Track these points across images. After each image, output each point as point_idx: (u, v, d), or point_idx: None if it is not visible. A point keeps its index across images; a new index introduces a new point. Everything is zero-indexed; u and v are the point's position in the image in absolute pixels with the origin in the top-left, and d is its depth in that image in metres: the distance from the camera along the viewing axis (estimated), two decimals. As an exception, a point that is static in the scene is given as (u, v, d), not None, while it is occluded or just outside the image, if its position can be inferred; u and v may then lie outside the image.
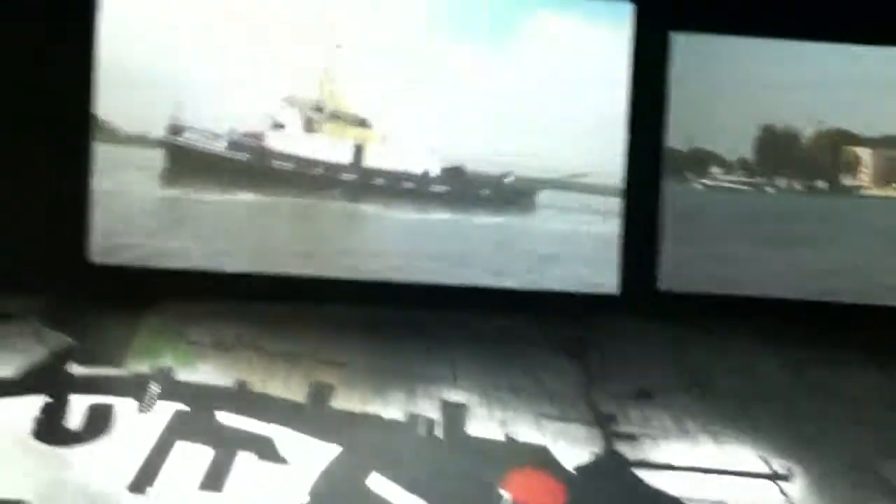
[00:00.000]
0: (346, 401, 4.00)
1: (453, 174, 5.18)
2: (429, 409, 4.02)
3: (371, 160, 5.18)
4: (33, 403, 3.70)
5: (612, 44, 5.10)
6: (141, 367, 4.08)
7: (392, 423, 3.88)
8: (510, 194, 5.23)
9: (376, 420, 3.89)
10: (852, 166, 5.47)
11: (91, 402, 3.76)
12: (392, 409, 3.97)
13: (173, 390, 3.92)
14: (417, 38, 5.06)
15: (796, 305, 5.11)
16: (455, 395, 4.16)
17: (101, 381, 3.94)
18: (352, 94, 5.10)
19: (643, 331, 4.90)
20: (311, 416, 3.87)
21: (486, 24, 5.08)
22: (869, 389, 4.49)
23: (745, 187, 5.45)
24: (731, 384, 4.48)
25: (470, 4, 5.14)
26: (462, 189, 5.21)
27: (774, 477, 3.79)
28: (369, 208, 5.19)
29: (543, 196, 5.33)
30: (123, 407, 3.77)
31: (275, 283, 4.96)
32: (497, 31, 5.10)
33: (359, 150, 5.16)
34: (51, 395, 3.76)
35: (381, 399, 4.03)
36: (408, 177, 5.19)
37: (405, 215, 5.18)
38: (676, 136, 5.22)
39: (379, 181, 5.18)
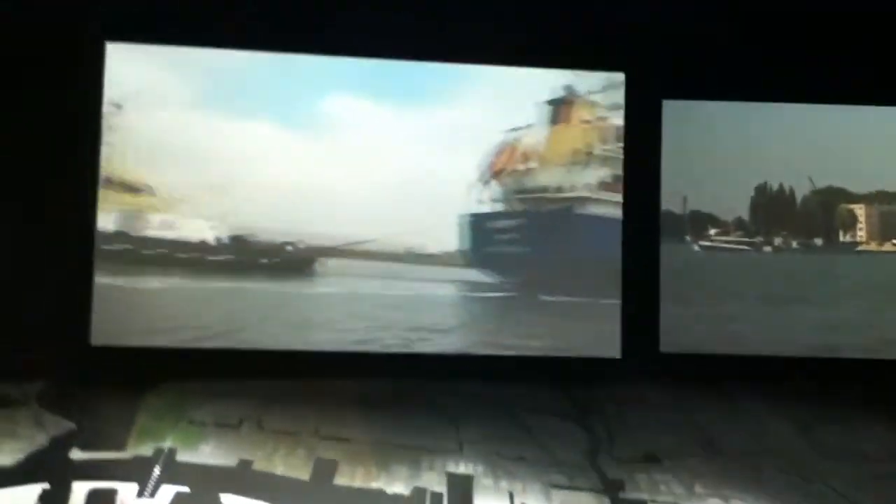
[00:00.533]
0: (350, 477, 3.96)
1: (236, 243, 5.18)
2: (434, 482, 3.97)
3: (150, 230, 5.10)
4: (33, 491, 3.66)
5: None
6: (143, 449, 4.04)
7: (397, 498, 3.83)
8: (291, 262, 5.19)
9: (381, 496, 3.84)
10: (848, 223, 5.51)
11: (92, 487, 3.71)
12: (397, 483, 3.92)
13: (175, 472, 3.88)
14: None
15: (800, 363, 5.09)
16: (461, 467, 4.11)
17: (102, 466, 3.90)
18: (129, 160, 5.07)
19: (647, 394, 4.87)
20: (316, 494, 3.82)
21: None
22: (878, 444, 4.44)
23: (742, 247, 5.49)
24: (740, 444, 4.43)
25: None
26: (243, 257, 5.19)
27: (789, 540, 3.72)
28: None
29: (326, 263, 5.30)
30: (126, 491, 3.73)
31: (275, 359, 4.96)
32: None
33: (132, 219, 5.07)
34: (51, 483, 3.71)
35: (385, 474, 3.98)
36: (186, 246, 5.14)
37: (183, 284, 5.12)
38: (672, 199, 5.29)
39: (158, 251, 5.11)
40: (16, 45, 4.77)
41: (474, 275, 5.37)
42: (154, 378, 4.66)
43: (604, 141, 5.39)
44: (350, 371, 4.90)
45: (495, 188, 5.32)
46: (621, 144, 5.34)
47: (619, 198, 5.27)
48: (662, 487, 4.04)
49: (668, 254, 5.25)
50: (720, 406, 4.80)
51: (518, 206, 5.40)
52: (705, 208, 5.44)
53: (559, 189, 5.40)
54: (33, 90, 4.78)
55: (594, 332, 5.13)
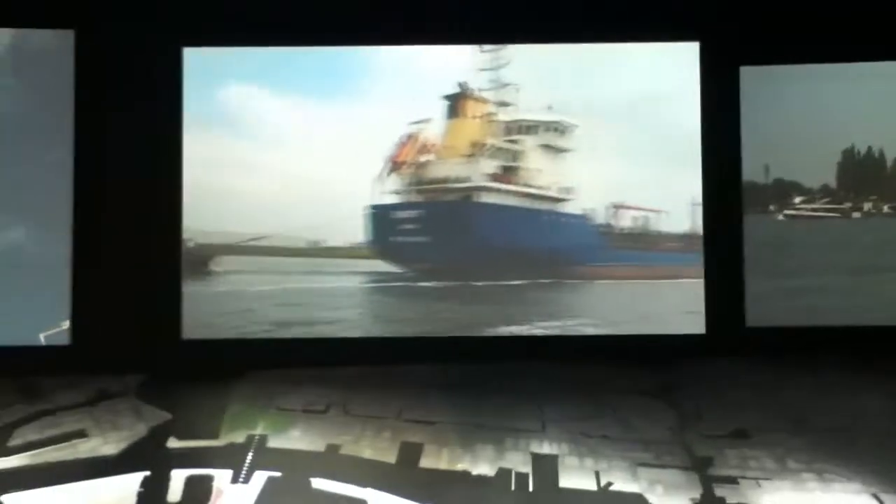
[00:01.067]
0: (435, 459, 4.01)
1: None
2: (519, 462, 3.98)
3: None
4: (136, 479, 3.83)
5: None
6: (235, 436, 4.18)
7: (483, 479, 3.86)
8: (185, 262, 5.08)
9: (466, 477, 3.87)
10: (943, 184, 5.27)
11: (189, 474, 3.86)
12: (482, 464, 3.96)
13: (267, 458, 4.00)
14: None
15: (890, 332, 4.90)
16: (545, 447, 4.12)
17: (198, 454, 4.05)
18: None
19: (733, 369, 4.78)
20: (402, 477, 3.88)
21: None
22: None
23: (830, 214, 5.31)
24: (832, 419, 4.31)
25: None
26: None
27: (887, 514, 3.60)
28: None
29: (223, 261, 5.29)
30: (221, 477, 3.86)
31: (356, 346, 5.07)
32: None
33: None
34: (152, 470, 3.88)
35: (470, 455, 4.02)
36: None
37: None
38: (754, 168, 5.15)
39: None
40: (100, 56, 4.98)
41: (378, 265, 5.41)
42: (244, 368, 4.85)
43: (495, 135, 5.47)
44: (432, 355, 4.97)
45: (397, 180, 5.33)
46: (512, 138, 5.48)
47: (512, 187, 5.46)
48: (753, 463, 3.96)
49: (752, 225, 5.12)
50: (810, 380, 4.67)
51: (418, 198, 5.42)
52: (789, 176, 5.28)
53: (457, 180, 5.43)
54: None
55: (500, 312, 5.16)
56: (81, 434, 4.21)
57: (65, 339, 4.85)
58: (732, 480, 3.85)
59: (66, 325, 4.85)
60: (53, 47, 4.97)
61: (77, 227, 4.92)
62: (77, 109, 4.94)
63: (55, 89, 4.94)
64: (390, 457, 4.03)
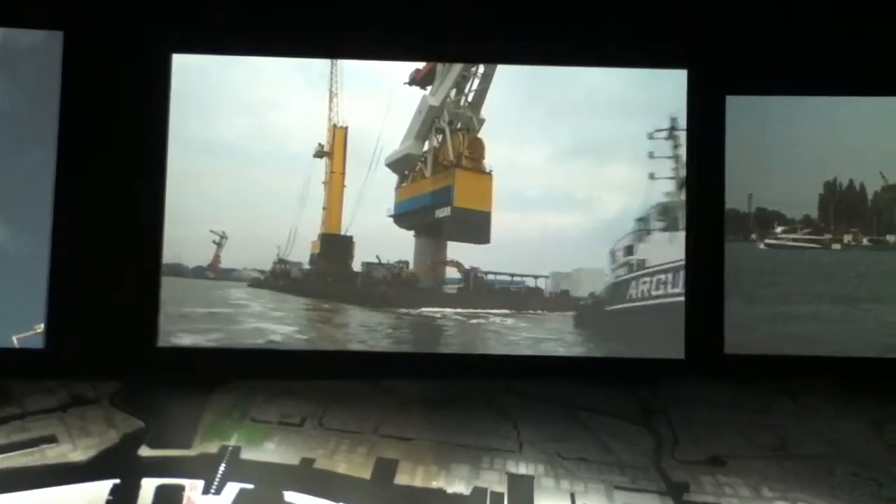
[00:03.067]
0: (410, 476, 3.98)
1: None
2: (495, 482, 3.96)
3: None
4: (105, 487, 3.77)
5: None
6: (209, 447, 4.13)
7: (458, 498, 3.83)
8: None
9: (441, 495, 3.85)
10: (922, 219, 5.33)
11: (160, 483, 3.81)
12: (457, 483, 3.93)
13: (240, 469, 3.96)
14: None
15: (871, 363, 4.94)
16: (521, 468, 4.10)
17: (170, 463, 4.00)
18: None
19: (712, 395, 4.79)
20: (377, 493, 3.85)
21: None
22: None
23: (810, 245, 5.35)
24: (809, 447, 4.33)
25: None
26: None
27: (860, 545, 3.60)
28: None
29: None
30: (192, 487, 3.81)
31: (336, 359, 5.03)
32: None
33: None
34: (122, 478, 3.82)
35: (445, 473, 3.99)
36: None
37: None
38: (737, 197, 5.19)
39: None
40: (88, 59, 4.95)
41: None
42: (218, 378, 4.79)
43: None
44: (409, 371, 4.95)
45: None
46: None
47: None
48: (728, 490, 3.96)
49: (733, 253, 5.15)
50: (787, 407, 4.69)
51: None
52: (771, 206, 5.32)
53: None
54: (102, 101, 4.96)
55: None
56: (51, 439, 4.14)
57: (39, 343, 4.77)
58: (708, 507, 3.85)
59: (41, 328, 4.79)
60: (41, 48, 4.93)
61: (56, 230, 4.86)
62: (62, 111, 4.89)
63: (41, 90, 4.89)
64: (365, 472, 4.00)
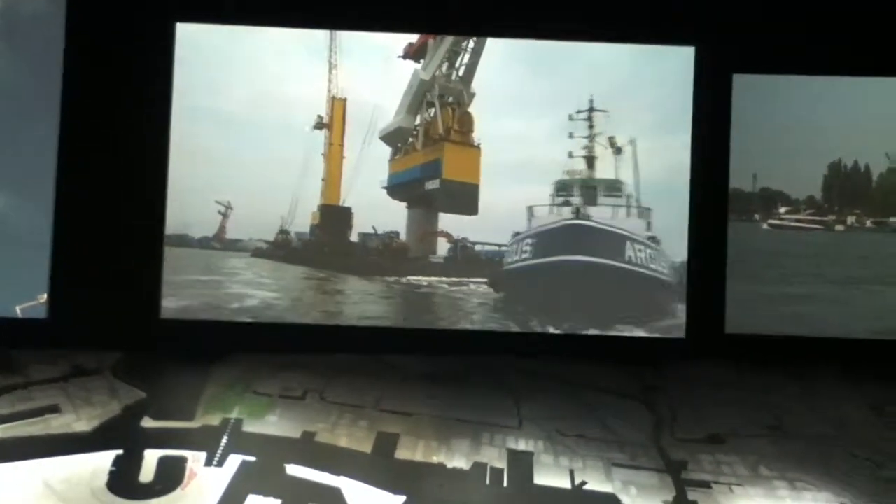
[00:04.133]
0: (411, 451, 4.00)
1: None
2: (495, 457, 3.98)
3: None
4: (108, 457, 3.79)
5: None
6: (211, 419, 4.15)
7: (457, 473, 3.85)
8: None
9: (441, 470, 3.87)
10: (926, 201, 5.32)
11: (163, 455, 3.83)
12: (457, 458, 3.95)
13: (242, 442, 3.98)
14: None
15: (872, 344, 4.95)
16: (521, 444, 4.12)
17: (172, 434, 4.02)
18: None
19: (712, 374, 4.82)
20: (377, 467, 3.86)
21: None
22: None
23: (814, 226, 5.34)
24: (808, 427, 4.35)
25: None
26: None
27: (856, 525, 3.63)
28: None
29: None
30: (195, 459, 3.83)
31: (338, 334, 5.05)
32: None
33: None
34: (125, 449, 3.85)
35: (446, 448, 4.01)
36: None
37: None
38: (742, 176, 5.17)
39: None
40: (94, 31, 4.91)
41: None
42: (221, 350, 4.82)
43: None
44: (411, 347, 4.97)
45: None
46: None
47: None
48: (726, 469, 3.98)
49: (736, 232, 5.14)
50: (787, 388, 4.71)
51: None
52: (775, 185, 5.31)
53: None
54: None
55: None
56: (54, 409, 4.16)
57: (42, 313, 4.79)
58: (706, 485, 3.87)
59: (44, 298, 4.80)
60: (44, 16, 4.90)
61: (59, 201, 4.86)
62: (65, 81, 4.87)
63: (44, 59, 4.87)
64: (366, 446, 4.02)
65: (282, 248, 5.27)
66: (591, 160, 5.15)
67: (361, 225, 5.26)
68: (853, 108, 5.17)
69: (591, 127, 5.13)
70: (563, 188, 5.09)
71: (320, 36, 5.05)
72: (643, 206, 5.10)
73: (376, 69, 5.07)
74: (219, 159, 5.00)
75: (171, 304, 4.93)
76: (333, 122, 5.17)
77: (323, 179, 5.18)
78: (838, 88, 5.16)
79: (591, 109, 5.11)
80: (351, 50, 5.03)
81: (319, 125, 5.13)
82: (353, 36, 5.03)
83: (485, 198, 5.11)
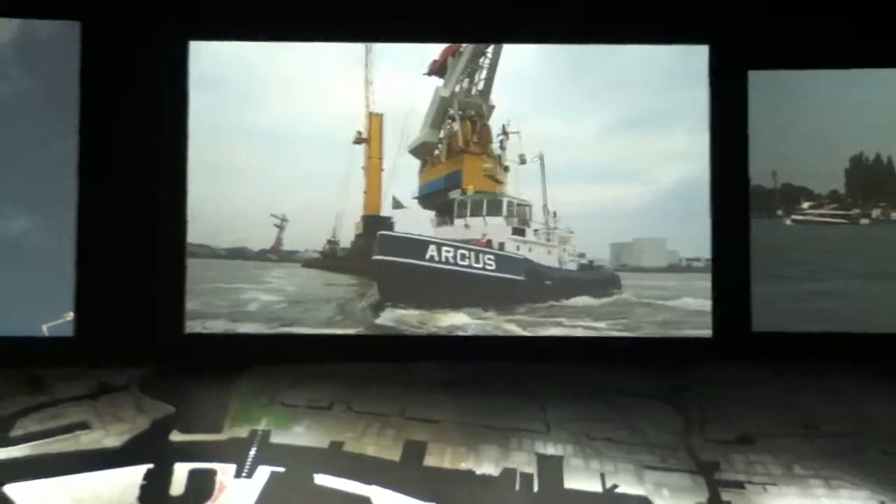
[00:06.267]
0: (439, 458, 3.98)
1: None
2: (524, 463, 3.96)
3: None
4: (138, 472, 3.80)
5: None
6: (239, 431, 4.16)
7: (486, 479, 3.83)
8: None
9: (470, 476, 3.85)
10: (952, 192, 5.26)
11: (192, 468, 3.84)
12: (486, 464, 3.93)
13: (270, 453, 3.98)
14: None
15: (900, 339, 4.90)
16: (550, 448, 4.09)
17: (201, 448, 4.03)
18: None
19: (740, 373, 4.77)
20: (406, 475, 3.85)
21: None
22: None
23: (837, 220, 5.29)
24: (840, 424, 4.29)
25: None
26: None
27: (895, 522, 3.57)
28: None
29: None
30: (224, 471, 3.84)
31: (361, 343, 5.05)
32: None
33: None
34: (154, 463, 3.86)
35: (474, 455, 4.00)
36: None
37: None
38: (762, 173, 5.14)
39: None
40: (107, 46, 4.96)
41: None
42: (247, 363, 4.84)
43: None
44: (434, 354, 4.96)
45: None
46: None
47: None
48: (759, 468, 3.94)
49: (759, 230, 5.10)
50: (817, 385, 4.65)
51: None
52: (797, 181, 5.26)
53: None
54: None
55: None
56: (84, 426, 4.19)
57: (68, 331, 4.83)
58: (739, 485, 3.82)
59: (70, 316, 4.84)
60: (59, 38, 4.95)
61: (81, 219, 4.90)
62: (82, 101, 4.92)
63: (61, 80, 4.93)
64: (394, 454, 4.01)
65: (329, 258, 5.44)
66: (493, 178, 5.53)
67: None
68: (872, 100, 5.13)
69: (502, 149, 5.45)
70: (461, 205, 5.50)
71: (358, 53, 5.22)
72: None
73: (406, 86, 5.27)
74: (272, 174, 5.16)
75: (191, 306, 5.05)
76: (371, 136, 5.39)
77: (364, 192, 5.38)
78: (855, 81, 5.12)
79: (505, 132, 5.40)
80: (384, 66, 5.22)
81: (359, 140, 5.34)
82: (386, 52, 5.21)
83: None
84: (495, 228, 5.23)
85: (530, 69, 5.22)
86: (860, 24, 4.97)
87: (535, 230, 5.41)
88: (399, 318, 5.06)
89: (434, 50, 5.33)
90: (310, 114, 5.18)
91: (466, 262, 5.06)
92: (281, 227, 5.24)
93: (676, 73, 5.14)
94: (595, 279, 5.32)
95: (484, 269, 5.08)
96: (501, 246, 5.26)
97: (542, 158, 5.21)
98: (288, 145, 5.15)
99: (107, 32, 4.96)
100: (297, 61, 5.18)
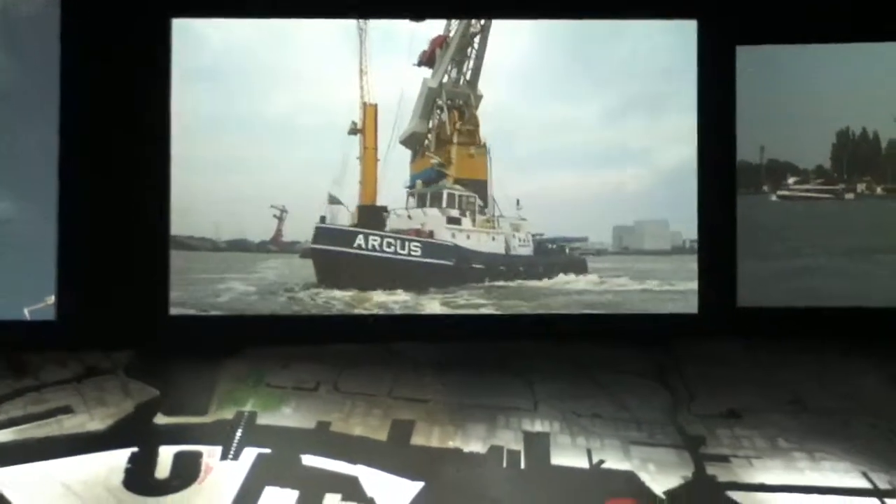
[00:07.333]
0: (426, 437, 3.98)
1: None
2: (511, 440, 3.96)
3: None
4: (123, 455, 3.78)
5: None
6: (224, 413, 4.14)
7: (474, 457, 3.83)
8: None
9: (458, 454, 3.84)
10: (937, 166, 5.27)
11: (178, 450, 3.82)
12: (473, 442, 3.93)
13: (257, 435, 3.97)
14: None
15: (886, 315, 4.91)
16: (537, 426, 4.10)
17: (186, 430, 4.00)
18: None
19: (726, 350, 4.79)
20: (393, 454, 3.84)
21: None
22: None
23: (823, 195, 5.30)
24: (825, 399, 4.32)
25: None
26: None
27: (877, 493, 3.58)
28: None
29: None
30: (210, 454, 3.82)
31: (347, 324, 5.03)
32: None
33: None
34: (139, 446, 3.84)
35: (461, 433, 3.99)
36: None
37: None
38: (749, 148, 5.13)
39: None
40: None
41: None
42: (232, 345, 4.81)
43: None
44: (421, 334, 4.95)
45: None
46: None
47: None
48: (745, 442, 3.95)
49: (745, 205, 5.10)
50: (803, 360, 4.68)
51: None
52: (783, 157, 5.26)
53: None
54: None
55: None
56: (67, 410, 4.16)
57: (50, 315, 4.79)
58: (724, 459, 3.83)
59: (52, 300, 4.79)
60: (39, 17, 4.87)
61: (63, 202, 4.85)
62: (63, 81, 4.85)
63: (41, 60, 4.84)
64: (381, 434, 4.00)
65: None
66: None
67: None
68: (858, 75, 5.11)
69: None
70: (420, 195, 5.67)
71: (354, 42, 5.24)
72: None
73: (399, 75, 5.36)
74: (271, 164, 5.18)
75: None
76: (366, 126, 5.41)
77: (360, 182, 5.44)
78: (842, 55, 5.10)
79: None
80: (379, 57, 5.26)
81: (354, 131, 5.38)
82: (380, 43, 5.24)
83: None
84: (432, 219, 5.45)
85: (524, 54, 5.24)
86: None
87: (488, 219, 5.60)
88: (332, 298, 5.20)
89: (424, 41, 5.37)
90: (310, 103, 5.22)
91: (392, 249, 5.31)
92: (280, 219, 5.28)
93: (676, 53, 5.13)
94: (553, 263, 5.47)
95: (409, 255, 5.31)
96: (431, 234, 5.45)
97: (488, 150, 5.40)
98: (287, 135, 5.17)
99: (87, 10, 4.87)
100: (293, 49, 5.20)
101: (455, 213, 5.52)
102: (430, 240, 5.40)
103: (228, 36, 5.15)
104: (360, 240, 5.27)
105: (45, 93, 4.83)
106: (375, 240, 5.30)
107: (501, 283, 5.38)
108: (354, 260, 5.25)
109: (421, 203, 5.49)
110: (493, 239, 5.53)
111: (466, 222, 5.52)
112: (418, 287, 5.21)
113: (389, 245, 5.31)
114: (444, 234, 5.45)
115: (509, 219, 5.54)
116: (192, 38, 5.04)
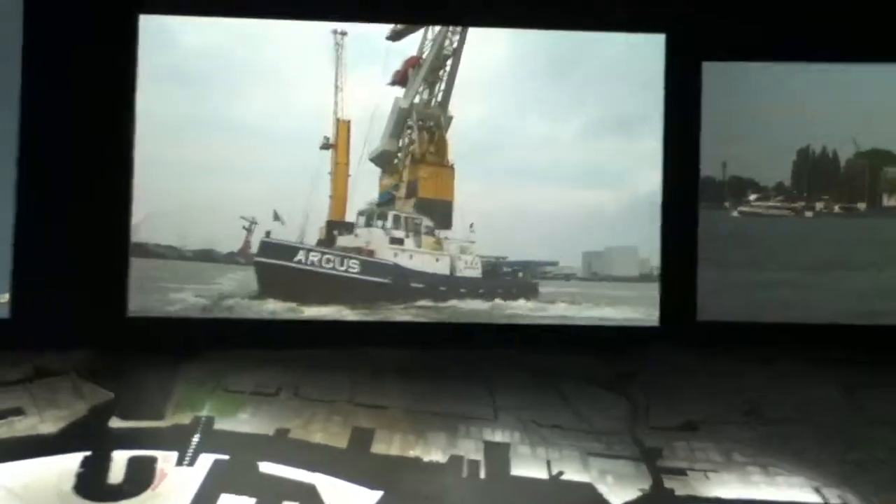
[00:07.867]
0: (386, 445, 3.96)
1: None
2: (471, 450, 3.95)
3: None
4: (75, 459, 3.70)
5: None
6: (181, 418, 4.08)
7: (434, 466, 3.82)
8: None
9: (418, 463, 3.83)
10: (894, 186, 5.37)
11: (132, 455, 3.75)
12: (434, 451, 3.91)
13: (214, 440, 3.91)
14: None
15: (842, 330, 5.00)
16: (497, 435, 4.10)
17: (141, 435, 3.93)
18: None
19: (685, 362, 4.83)
20: (353, 462, 3.81)
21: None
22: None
23: (783, 212, 5.38)
24: (780, 412, 4.38)
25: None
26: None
27: (829, 507, 3.65)
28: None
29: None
30: (165, 459, 3.75)
31: (310, 329, 4.99)
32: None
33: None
34: (92, 450, 3.76)
35: (422, 442, 3.98)
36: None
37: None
38: (712, 164, 5.19)
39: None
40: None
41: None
42: (191, 348, 4.73)
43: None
44: (384, 340, 4.93)
45: None
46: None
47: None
48: (700, 455, 4.00)
49: (707, 221, 5.16)
50: (759, 374, 4.74)
51: None
52: (745, 173, 5.34)
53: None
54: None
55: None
56: (18, 412, 4.06)
57: (4, 313, 4.68)
58: (681, 472, 3.87)
59: (6, 298, 4.69)
60: (1, 10, 4.76)
61: (20, 199, 4.75)
62: (24, 76, 4.75)
63: (1, 55, 4.74)
64: (341, 442, 3.97)
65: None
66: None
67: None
68: (821, 95, 5.21)
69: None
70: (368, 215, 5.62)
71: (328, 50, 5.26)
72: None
73: (375, 90, 5.42)
74: (241, 173, 5.16)
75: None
76: (339, 142, 5.42)
77: (330, 196, 5.42)
78: (805, 75, 5.20)
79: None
80: (354, 70, 5.31)
81: (326, 146, 5.37)
82: (357, 57, 5.29)
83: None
84: (376, 238, 5.50)
85: (499, 71, 5.30)
86: (812, 19, 5.02)
87: (437, 240, 5.62)
88: (272, 309, 5.23)
89: (399, 60, 5.40)
90: (285, 112, 5.24)
91: (331, 265, 5.36)
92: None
93: (647, 71, 5.18)
94: (498, 285, 5.45)
95: (347, 271, 5.37)
96: (371, 253, 5.48)
97: (454, 171, 5.50)
98: (259, 142, 5.16)
99: (51, 3, 4.78)
100: (271, 55, 5.21)
101: (399, 233, 5.57)
102: (368, 258, 5.45)
103: (200, 35, 5.10)
104: (300, 255, 5.32)
105: (4, 89, 4.72)
106: (315, 255, 5.36)
107: (430, 302, 5.37)
108: (297, 273, 5.28)
109: (368, 222, 5.52)
110: (437, 260, 5.56)
111: (409, 243, 5.58)
112: (352, 302, 5.25)
113: (329, 261, 5.37)
114: (387, 254, 5.50)
115: (457, 241, 5.56)
116: (162, 36, 4.98)
